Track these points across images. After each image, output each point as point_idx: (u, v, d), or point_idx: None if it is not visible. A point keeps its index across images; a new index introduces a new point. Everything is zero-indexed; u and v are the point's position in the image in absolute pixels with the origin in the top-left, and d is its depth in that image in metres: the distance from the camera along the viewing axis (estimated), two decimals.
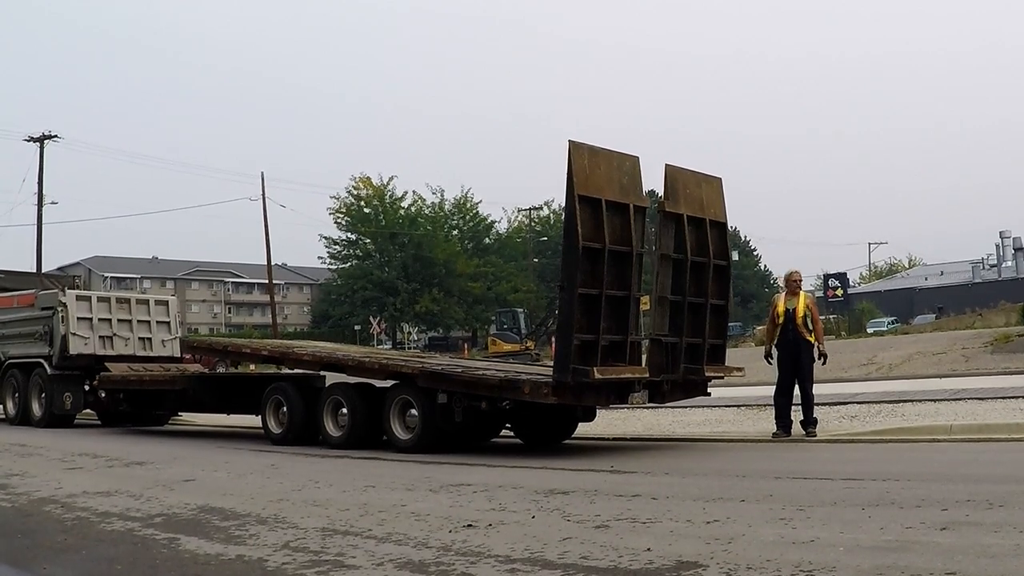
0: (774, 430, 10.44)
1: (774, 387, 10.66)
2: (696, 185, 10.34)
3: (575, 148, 8.80)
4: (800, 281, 10.98)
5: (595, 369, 8.76)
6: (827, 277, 73.14)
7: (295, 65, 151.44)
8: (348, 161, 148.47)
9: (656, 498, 6.34)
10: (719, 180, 10.75)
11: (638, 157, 9.60)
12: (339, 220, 66.42)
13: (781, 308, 10.59)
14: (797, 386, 10.46)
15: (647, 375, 9.55)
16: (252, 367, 30.48)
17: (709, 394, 11.07)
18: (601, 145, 9.25)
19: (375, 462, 9.40)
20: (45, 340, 15.53)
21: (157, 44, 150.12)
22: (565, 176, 8.74)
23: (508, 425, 11.13)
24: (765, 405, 11.68)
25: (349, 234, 67.54)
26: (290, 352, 13.01)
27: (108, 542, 5.54)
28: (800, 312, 10.51)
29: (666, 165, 10.06)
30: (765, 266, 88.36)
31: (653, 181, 10.15)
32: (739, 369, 10.73)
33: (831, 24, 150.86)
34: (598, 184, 8.96)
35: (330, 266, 72.01)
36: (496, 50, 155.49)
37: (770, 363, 10.68)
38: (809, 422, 10.42)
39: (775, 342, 10.60)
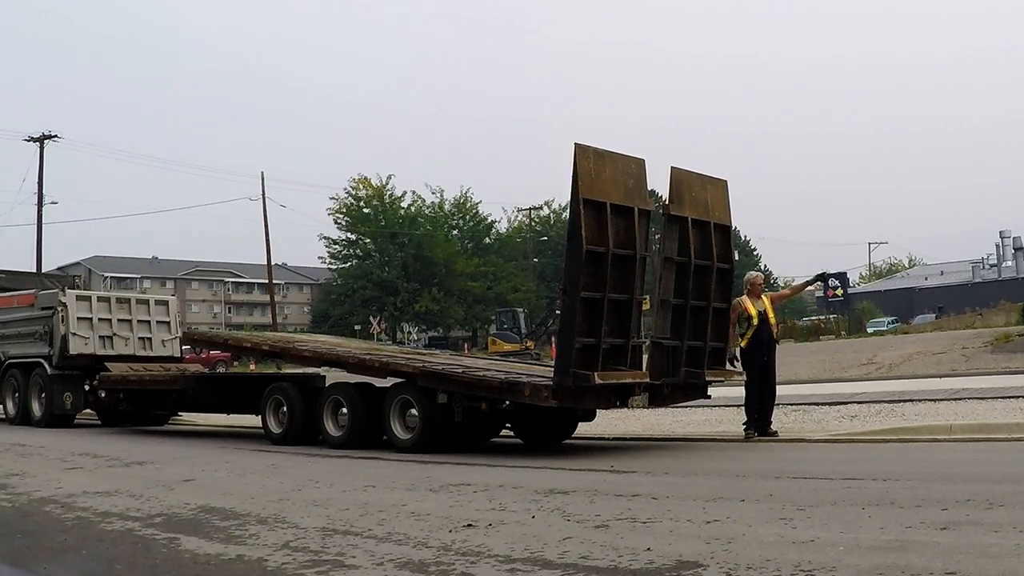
0: (747, 430, 10.54)
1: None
2: (701, 187, 10.32)
3: (581, 151, 8.76)
4: (761, 284, 11.17)
5: (596, 373, 8.75)
6: (828, 277, 73.11)
7: (295, 65, 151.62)
8: (348, 161, 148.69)
9: (656, 498, 6.34)
10: (724, 182, 10.72)
11: (644, 160, 9.56)
12: (339, 220, 66.52)
13: (753, 310, 10.69)
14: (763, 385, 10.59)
15: (647, 379, 9.54)
16: (252, 366, 30.50)
17: (709, 396, 11.08)
18: (603, 145, 9.22)
19: (375, 462, 9.40)
20: (45, 340, 15.53)
21: (157, 44, 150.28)
22: (567, 177, 8.73)
23: (508, 425, 11.13)
24: None
25: (349, 234, 67.60)
26: (291, 347, 13.00)
27: (108, 542, 5.54)
28: (771, 313, 10.86)
29: (671, 167, 10.03)
30: (765, 266, 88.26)
31: (656, 181, 10.14)
32: (740, 372, 10.73)
33: (831, 25, 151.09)
34: (603, 187, 8.94)
35: (330, 266, 72.06)
36: (497, 50, 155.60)
37: (735, 366, 10.78)
38: (770, 422, 10.62)
39: (748, 343, 10.68)
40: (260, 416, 12.02)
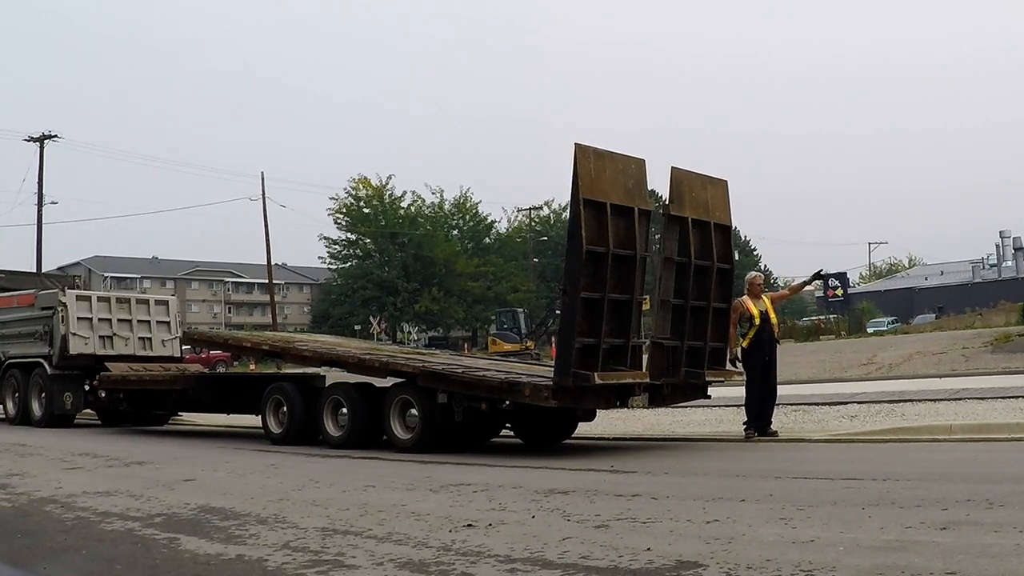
0: (747, 430, 10.53)
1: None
2: (701, 187, 10.31)
3: (581, 151, 8.75)
4: (762, 284, 11.16)
5: (596, 374, 8.75)
6: (827, 277, 73.13)
7: (295, 65, 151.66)
8: (348, 161, 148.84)
9: (656, 498, 6.34)
10: (724, 182, 10.72)
11: (644, 160, 9.55)
12: (339, 220, 66.51)
13: (755, 310, 10.68)
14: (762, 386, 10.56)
15: (647, 379, 9.53)
16: (252, 366, 30.49)
17: (709, 397, 11.08)
18: (603, 145, 9.21)
19: (375, 462, 9.40)
20: (45, 340, 15.53)
21: (157, 44, 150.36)
22: (567, 177, 8.73)
23: (508, 425, 11.13)
24: None
25: (349, 234, 67.59)
26: (291, 347, 13.00)
27: (108, 542, 5.54)
28: (772, 313, 10.83)
29: (672, 168, 10.02)
30: (765, 266, 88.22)
31: (656, 181, 10.14)
32: (740, 372, 10.74)
33: (831, 25, 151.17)
34: (603, 187, 8.93)
35: (330, 266, 72.04)
36: (497, 50, 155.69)
37: (738, 366, 10.77)
38: (770, 422, 10.62)
39: (749, 343, 10.66)
40: (260, 416, 12.01)
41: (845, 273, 76.36)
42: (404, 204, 68.22)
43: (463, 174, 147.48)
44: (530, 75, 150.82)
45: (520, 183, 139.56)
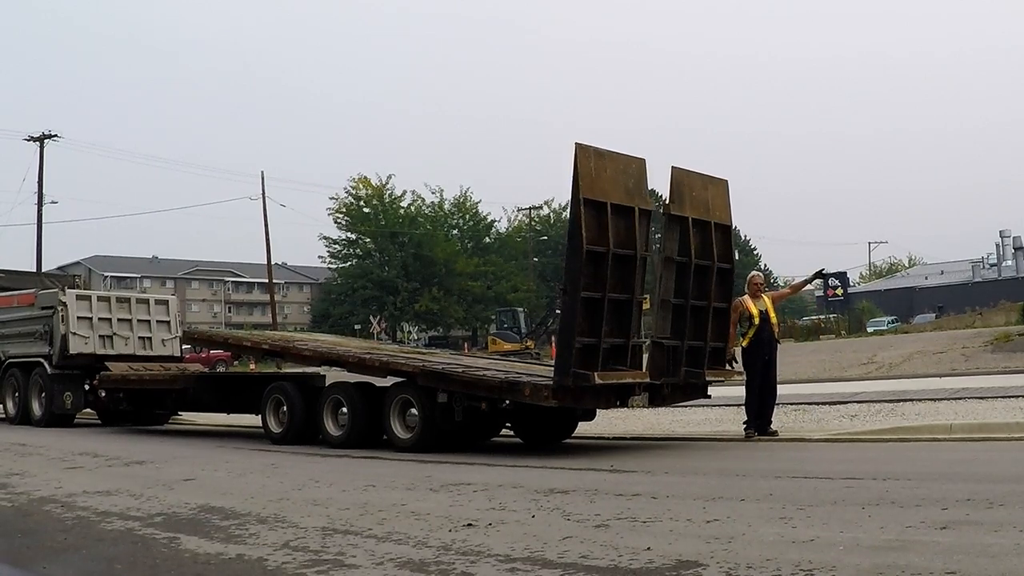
0: (747, 430, 10.53)
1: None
2: (702, 187, 10.31)
3: (581, 151, 8.75)
4: (762, 283, 11.13)
5: (596, 373, 8.74)
6: (827, 276, 73.15)
7: (295, 65, 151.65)
8: (348, 161, 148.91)
9: (656, 497, 6.34)
10: (725, 182, 10.71)
11: (644, 160, 9.54)
12: (339, 220, 66.54)
13: (755, 310, 10.67)
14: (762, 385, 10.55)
15: (647, 379, 9.53)
16: (252, 365, 30.48)
17: (709, 396, 11.07)
18: (603, 145, 9.20)
19: (375, 461, 9.40)
20: (45, 339, 15.53)
21: (157, 44, 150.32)
22: (567, 177, 8.72)
23: (508, 424, 11.13)
24: None
25: (349, 234, 67.62)
26: (291, 347, 13.00)
27: (108, 542, 5.54)
28: (772, 313, 10.81)
29: (672, 167, 10.02)
30: (765, 266, 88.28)
31: (656, 181, 10.13)
32: (740, 372, 10.75)
33: (831, 25, 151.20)
34: (604, 187, 8.93)
35: (330, 265, 72.07)
36: (497, 50, 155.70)
37: (735, 366, 10.75)
38: (770, 421, 10.61)
39: (749, 343, 10.67)
40: (260, 416, 12.01)
41: (845, 273, 76.38)
42: (404, 204, 68.31)
43: (463, 174, 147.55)
44: (530, 75, 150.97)
45: (520, 183, 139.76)
